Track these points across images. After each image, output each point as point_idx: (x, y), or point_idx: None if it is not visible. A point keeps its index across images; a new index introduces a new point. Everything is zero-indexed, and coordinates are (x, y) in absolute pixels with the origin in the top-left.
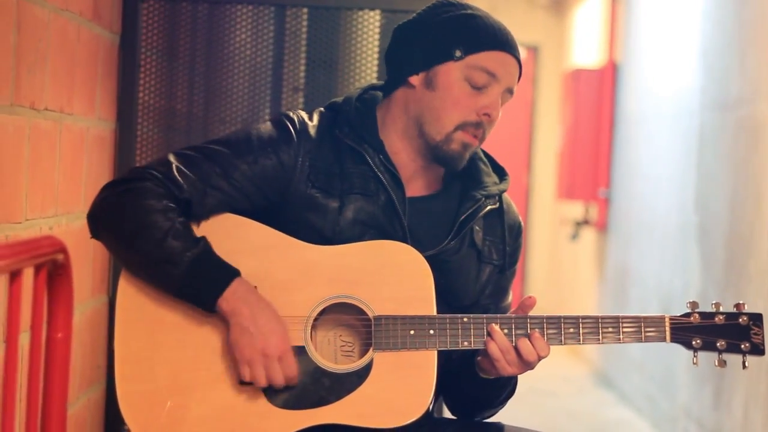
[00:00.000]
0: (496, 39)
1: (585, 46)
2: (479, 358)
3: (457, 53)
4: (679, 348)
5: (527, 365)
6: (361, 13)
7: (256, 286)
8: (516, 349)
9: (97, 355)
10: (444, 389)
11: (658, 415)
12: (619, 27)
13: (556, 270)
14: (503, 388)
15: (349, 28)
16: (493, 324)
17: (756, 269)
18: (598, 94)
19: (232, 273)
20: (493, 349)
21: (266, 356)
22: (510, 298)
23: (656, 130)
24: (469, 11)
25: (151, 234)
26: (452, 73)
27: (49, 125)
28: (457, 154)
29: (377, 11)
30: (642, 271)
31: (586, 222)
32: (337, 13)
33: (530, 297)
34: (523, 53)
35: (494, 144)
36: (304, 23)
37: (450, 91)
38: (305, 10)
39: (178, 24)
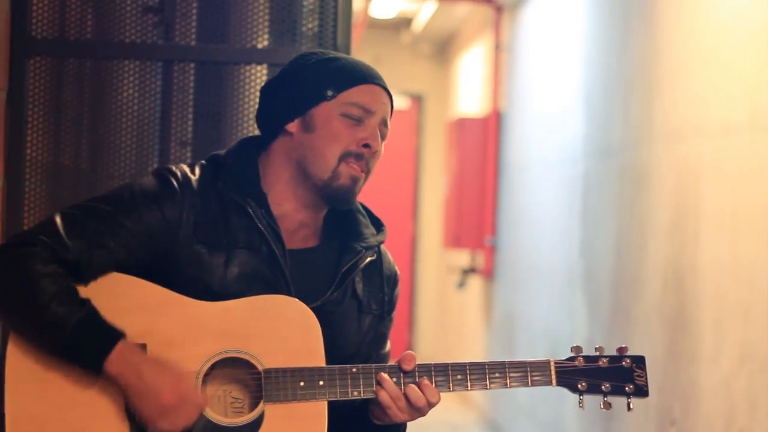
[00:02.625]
0: (363, 74)
1: (469, 95)
2: (372, 406)
3: (329, 93)
4: (567, 393)
5: (418, 411)
6: (248, 67)
7: (145, 344)
8: (405, 396)
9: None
10: None
11: None
12: (503, 76)
13: (444, 317)
14: None
15: (236, 82)
16: (382, 373)
17: (641, 313)
18: (483, 142)
19: (116, 336)
20: (384, 396)
21: (165, 409)
22: (389, 345)
23: (541, 177)
24: (332, 55)
25: (37, 299)
26: (328, 111)
27: None
28: (347, 189)
29: (264, 65)
30: (529, 316)
31: (472, 270)
32: (224, 68)
33: (409, 353)
34: (407, 102)
35: (380, 192)
36: (191, 78)
37: (328, 128)
38: (192, 65)
39: (65, 80)
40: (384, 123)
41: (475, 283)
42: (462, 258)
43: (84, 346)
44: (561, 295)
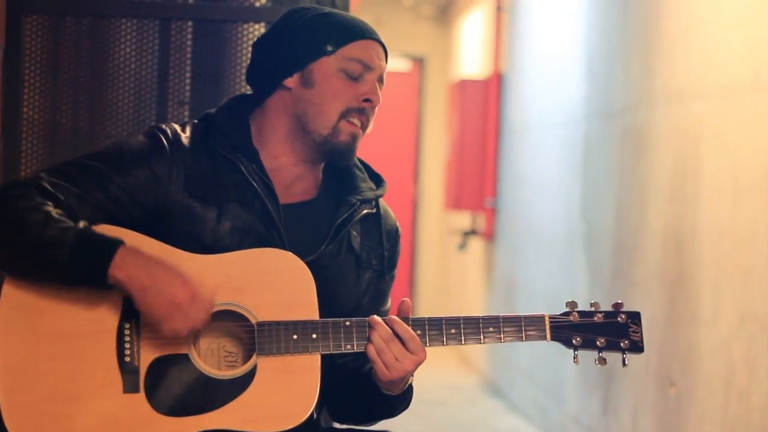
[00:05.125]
0: (361, 29)
1: (470, 56)
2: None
3: (329, 48)
4: (567, 356)
5: (413, 354)
6: (246, 26)
7: None
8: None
9: None
10: (332, 397)
11: (548, 424)
12: (504, 37)
13: (444, 279)
14: (401, 402)
15: (234, 41)
16: (374, 316)
17: (641, 275)
18: (484, 104)
19: (116, 242)
20: (375, 340)
21: (177, 306)
22: (389, 303)
23: (542, 139)
24: (327, 10)
25: (29, 228)
26: (328, 66)
27: None
28: (347, 146)
29: (261, 24)
30: (529, 279)
31: (473, 232)
32: (222, 26)
33: (405, 300)
34: (408, 65)
35: (381, 155)
36: (189, 36)
37: (328, 84)
38: (190, 23)
39: (62, 38)
40: (381, 79)
41: (476, 245)
42: (463, 220)
43: (86, 259)
44: (561, 258)
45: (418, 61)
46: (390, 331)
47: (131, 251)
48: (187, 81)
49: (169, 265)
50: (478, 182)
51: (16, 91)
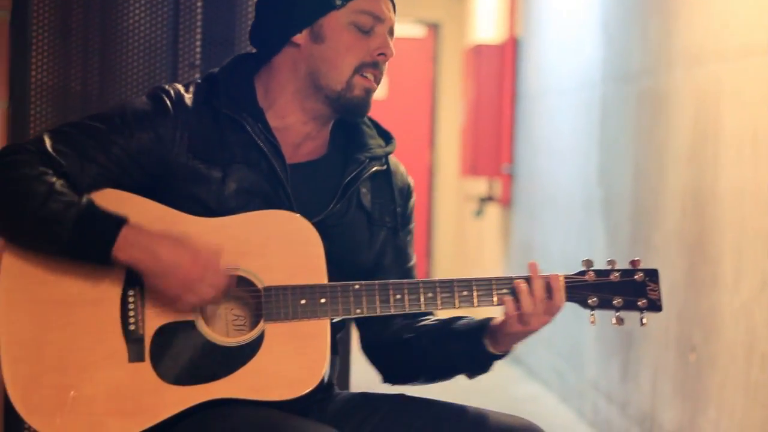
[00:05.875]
0: None
1: (485, 22)
2: (493, 328)
3: (337, 1)
4: (585, 321)
5: (548, 315)
6: None
7: None
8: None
9: None
10: (396, 357)
11: (567, 390)
12: (520, 1)
13: (461, 246)
14: (495, 361)
15: (244, 4)
16: (532, 267)
17: (661, 240)
18: (500, 69)
19: (119, 221)
20: (524, 292)
21: (189, 283)
22: (414, 259)
23: (558, 104)
24: None
25: (31, 200)
26: (338, 20)
27: None
28: (361, 100)
29: None
30: (547, 245)
31: (490, 198)
32: None
33: (532, 262)
34: (423, 31)
35: (396, 122)
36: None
37: (340, 38)
38: None
39: (71, 1)
40: (391, 31)
41: (493, 211)
42: (479, 186)
43: (88, 238)
44: (579, 223)
45: (433, 27)
46: (545, 287)
47: (134, 231)
48: (198, 45)
49: (176, 241)
50: (495, 148)
51: (23, 55)
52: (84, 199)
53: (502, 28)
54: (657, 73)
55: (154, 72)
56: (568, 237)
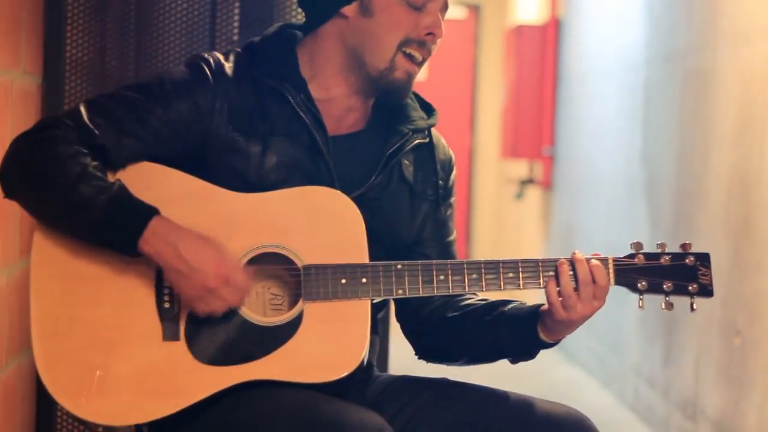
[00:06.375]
0: None
1: (527, 2)
2: (545, 310)
3: None
4: (626, 304)
5: (596, 300)
6: None
7: None
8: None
9: (26, 318)
10: (438, 333)
11: (608, 374)
12: None
13: (501, 229)
14: (540, 349)
15: None
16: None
17: (705, 223)
18: (541, 50)
19: (149, 212)
20: (566, 277)
21: (209, 290)
22: (454, 234)
23: (601, 85)
24: None
25: (62, 181)
26: None
27: None
28: (402, 83)
29: None
30: (588, 228)
31: (530, 181)
32: None
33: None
34: (463, 13)
35: (436, 104)
36: None
37: (389, 13)
38: None
39: None
40: (445, 7)
41: (533, 194)
42: (520, 169)
43: (116, 226)
44: (621, 206)
45: (474, 9)
46: (590, 273)
47: (163, 224)
48: (236, 20)
49: (204, 242)
50: (536, 130)
51: (58, 29)
52: (116, 185)
53: (544, 9)
54: (702, 52)
55: (191, 48)
56: (610, 220)
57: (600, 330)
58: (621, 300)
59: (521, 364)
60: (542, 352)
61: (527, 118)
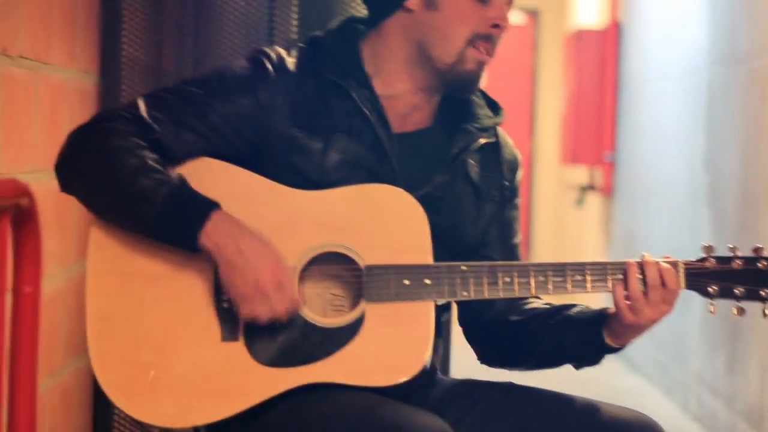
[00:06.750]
0: None
1: (587, 7)
2: (611, 314)
3: None
4: (689, 311)
5: (665, 305)
6: None
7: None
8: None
9: (83, 320)
10: (501, 338)
11: (670, 383)
12: None
13: (561, 236)
14: (607, 353)
15: None
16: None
17: None
18: (602, 55)
19: (211, 206)
20: (634, 280)
21: (261, 290)
22: (519, 237)
23: (662, 89)
24: None
25: (121, 174)
26: None
27: (25, 74)
28: (473, 74)
29: None
30: (650, 235)
31: (591, 187)
32: None
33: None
34: (522, 18)
35: None
36: None
37: (455, 6)
38: None
39: None
40: (510, 0)
41: (594, 200)
42: (580, 175)
43: (176, 219)
44: (684, 213)
45: (533, 15)
46: (659, 276)
47: (225, 218)
48: (294, 20)
49: (263, 241)
50: (596, 135)
51: (115, 27)
52: (176, 178)
53: (604, 13)
54: (766, 54)
55: (249, 47)
56: (672, 226)
57: (662, 338)
58: (683, 306)
59: (582, 374)
60: (603, 361)
61: (588, 123)
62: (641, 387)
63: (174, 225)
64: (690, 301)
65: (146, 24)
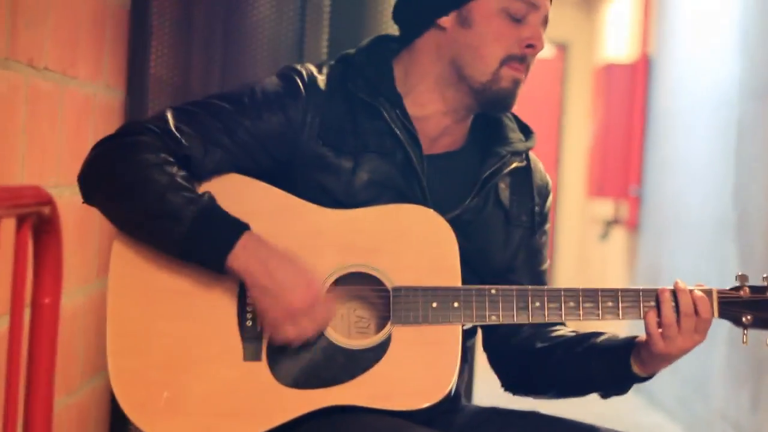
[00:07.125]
0: None
1: (616, 40)
2: (641, 342)
3: None
4: (713, 346)
5: (697, 334)
6: None
7: None
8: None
9: (102, 339)
10: (526, 366)
11: (692, 420)
12: (652, 18)
13: (584, 270)
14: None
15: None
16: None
17: None
18: (631, 88)
19: (240, 227)
20: (668, 308)
21: (292, 315)
22: (547, 262)
23: (692, 123)
24: None
25: (148, 190)
26: (488, 4)
27: (50, 87)
28: (509, 93)
29: None
30: (676, 271)
31: (616, 221)
32: None
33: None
34: (551, 51)
35: None
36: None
37: (489, 25)
38: None
39: None
40: (545, 20)
41: (619, 234)
42: (605, 209)
43: (205, 240)
44: (711, 248)
45: (561, 47)
46: (692, 304)
47: (253, 240)
48: (325, 43)
49: (294, 264)
50: (623, 169)
51: (143, 45)
52: (206, 197)
53: (634, 46)
54: None
55: (279, 67)
56: (698, 261)
57: (684, 373)
58: (706, 341)
59: (603, 409)
60: (624, 396)
61: (615, 156)
62: (664, 423)
63: (201, 246)
64: (714, 336)
65: (175, 43)
